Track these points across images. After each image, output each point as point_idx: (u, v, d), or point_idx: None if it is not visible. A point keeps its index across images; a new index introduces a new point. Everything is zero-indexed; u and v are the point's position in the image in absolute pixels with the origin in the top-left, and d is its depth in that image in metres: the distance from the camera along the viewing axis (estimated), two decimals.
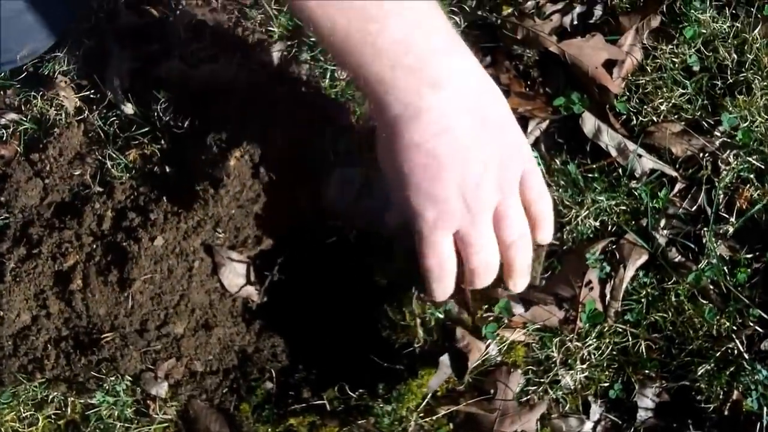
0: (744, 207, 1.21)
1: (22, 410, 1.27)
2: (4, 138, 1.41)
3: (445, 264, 0.96)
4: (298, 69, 1.38)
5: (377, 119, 0.92)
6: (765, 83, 1.30)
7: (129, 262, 1.23)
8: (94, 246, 1.26)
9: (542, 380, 1.17)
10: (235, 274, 1.31)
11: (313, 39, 1.39)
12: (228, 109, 1.33)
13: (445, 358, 1.17)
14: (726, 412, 1.14)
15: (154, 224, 1.25)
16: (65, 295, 1.24)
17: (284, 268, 1.31)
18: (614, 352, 1.18)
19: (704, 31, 1.32)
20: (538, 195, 0.99)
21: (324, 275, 1.32)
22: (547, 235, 1.03)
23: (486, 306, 1.22)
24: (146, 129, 1.36)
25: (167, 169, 1.34)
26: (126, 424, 1.26)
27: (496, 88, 0.94)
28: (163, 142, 1.36)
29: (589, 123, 1.32)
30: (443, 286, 0.99)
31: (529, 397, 1.15)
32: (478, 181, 0.89)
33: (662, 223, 1.23)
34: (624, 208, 1.25)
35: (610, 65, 1.33)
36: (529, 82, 1.36)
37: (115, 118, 1.39)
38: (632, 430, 1.15)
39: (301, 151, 1.30)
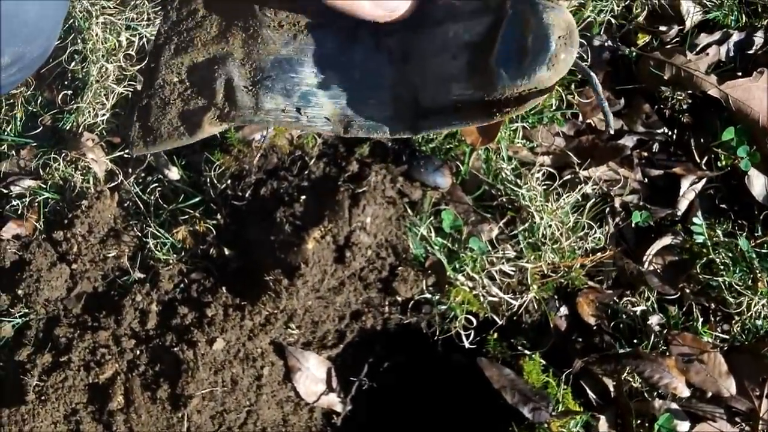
0: None
1: None
2: (20, 211, 1.15)
3: None
4: None
5: None
6: None
7: (183, 373, 1.04)
8: (137, 352, 1.08)
9: None
10: (312, 380, 1.11)
11: None
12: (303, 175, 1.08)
13: None
14: None
15: (212, 322, 1.06)
16: (103, 415, 1.06)
17: (375, 372, 1.11)
18: None
19: None
20: None
21: (428, 382, 1.11)
22: None
23: (639, 420, 1.01)
24: (197, 200, 1.14)
25: (225, 252, 1.12)
26: None
27: None
28: (218, 216, 1.13)
29: (758, 183, 1.09)
30: None
31: None
32: None
33: None
34: None
35: None
36: (676, 132, 1.10)
37: (156, 184, 1.16)
38: None
39: None
